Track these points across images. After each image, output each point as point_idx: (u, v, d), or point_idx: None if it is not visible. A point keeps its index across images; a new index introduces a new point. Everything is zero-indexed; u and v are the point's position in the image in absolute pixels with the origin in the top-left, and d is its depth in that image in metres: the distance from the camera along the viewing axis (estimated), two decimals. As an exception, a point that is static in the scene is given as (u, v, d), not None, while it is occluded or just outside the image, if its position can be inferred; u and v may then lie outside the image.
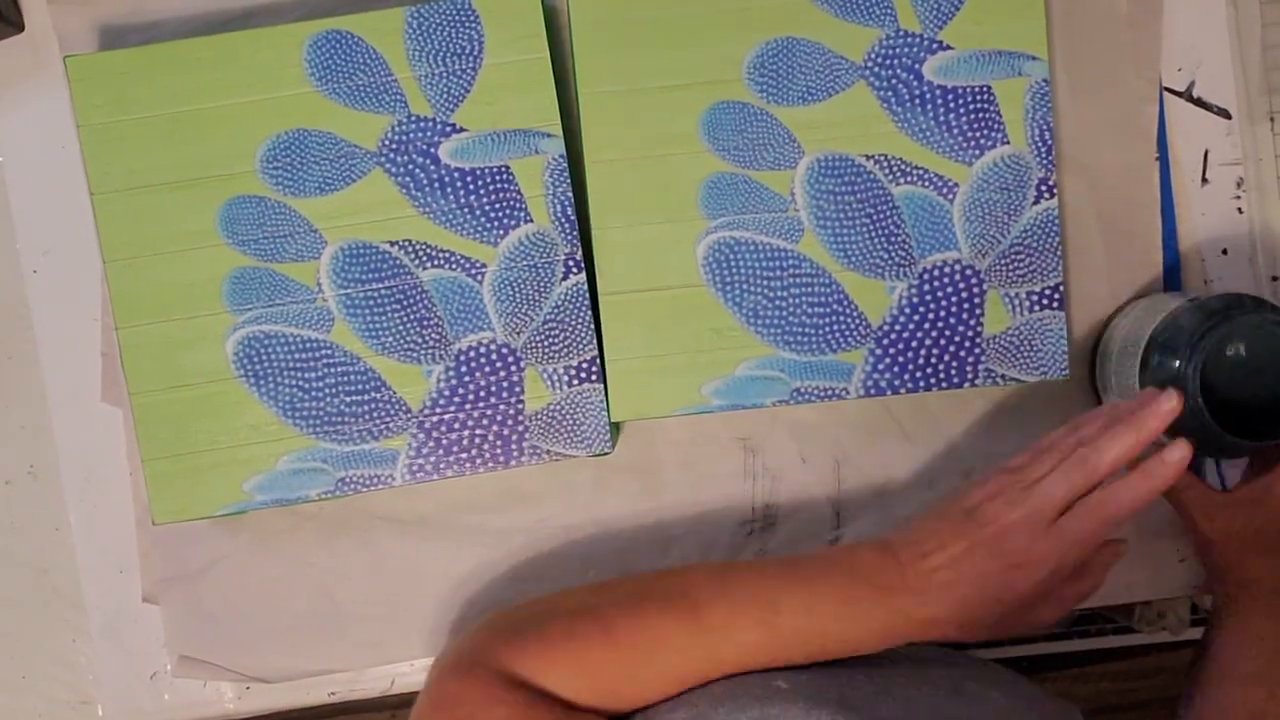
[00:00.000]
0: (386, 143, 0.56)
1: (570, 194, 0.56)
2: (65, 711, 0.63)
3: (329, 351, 0.56)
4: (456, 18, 0.56)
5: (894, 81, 0.56)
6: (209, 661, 0.61)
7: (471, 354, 0.56)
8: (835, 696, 0.45)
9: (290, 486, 0.56)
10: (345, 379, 0.56)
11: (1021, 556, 0.47)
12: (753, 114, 0.56)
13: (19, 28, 0.61)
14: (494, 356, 0.56)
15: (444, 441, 0.56)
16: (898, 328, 0.57)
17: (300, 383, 0.56)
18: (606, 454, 0.57)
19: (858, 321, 0.57)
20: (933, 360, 0.57)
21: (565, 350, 0.56)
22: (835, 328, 0.57)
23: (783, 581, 0.49)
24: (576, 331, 0.56)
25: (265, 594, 0.61)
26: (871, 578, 0.48)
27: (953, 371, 0.57)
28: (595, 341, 0.56)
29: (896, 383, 0.57)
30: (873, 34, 0.56)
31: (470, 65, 0.56)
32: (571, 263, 0.56)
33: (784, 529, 0.60)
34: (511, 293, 0.56)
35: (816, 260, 0.57)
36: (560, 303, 0.56)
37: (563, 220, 0.56)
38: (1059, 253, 0.57)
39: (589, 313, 0.56)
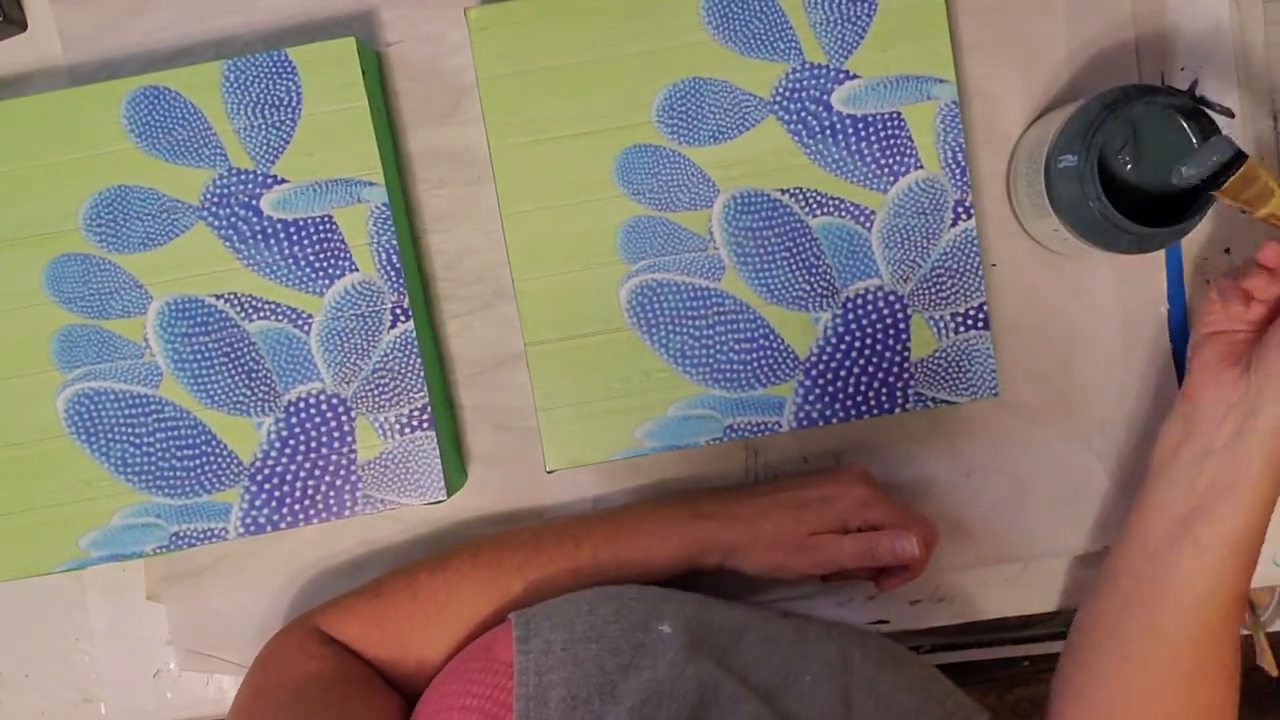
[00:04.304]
0: (208, 196, 0.56)
1: (395, 242, 0.56)
2: (68, 710, 0.64)
3: (158, 406, 0.56)
4: (273, 69, 0.55)
5: (803, 114, 0.56)
6: (214, 656, 0.62)
7: (301, 405, 0.56)
8: (714, 655, 0.47)
9: (124, 542, 0.56)
10: (175, 433, 0.56)
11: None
12: (665, 156, 0.56)
13: (22, 26, 0.61)
14: (324, 407, 0.56)
15: (276, 493, 0.56)
16: (825, 358, 0.56)
17: (131, 438, 0.56)
18: (442, 501, 0.57)
19: (785, 355, 0.56)
20: (862, 388, 0.56)
21: (395, 399, 0.56)
22: (763, 362, 0.57)
23: (592, 521, 0.55)
24: (406, 379, 0.56)
25: (268, 591, 0.62)
26: (683, 507, 0.55)
27: (883, 398, 0.56)
28: (425, 389, 0.56)
29: (828, 413, 0.56)
30: (779, 68, 0.56)
31: (289, 116, 0.56)
32: (399, 311, 0.56)
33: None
34: (339, 342, 0.56)
35: (739, 297, 0.56)
36: (389, 351, 0.56)
37: (389, 269, 0.56)
38: (980, 273, 0.56)
39: (418, 360, 0.56)
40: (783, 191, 0.56)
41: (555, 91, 0.56)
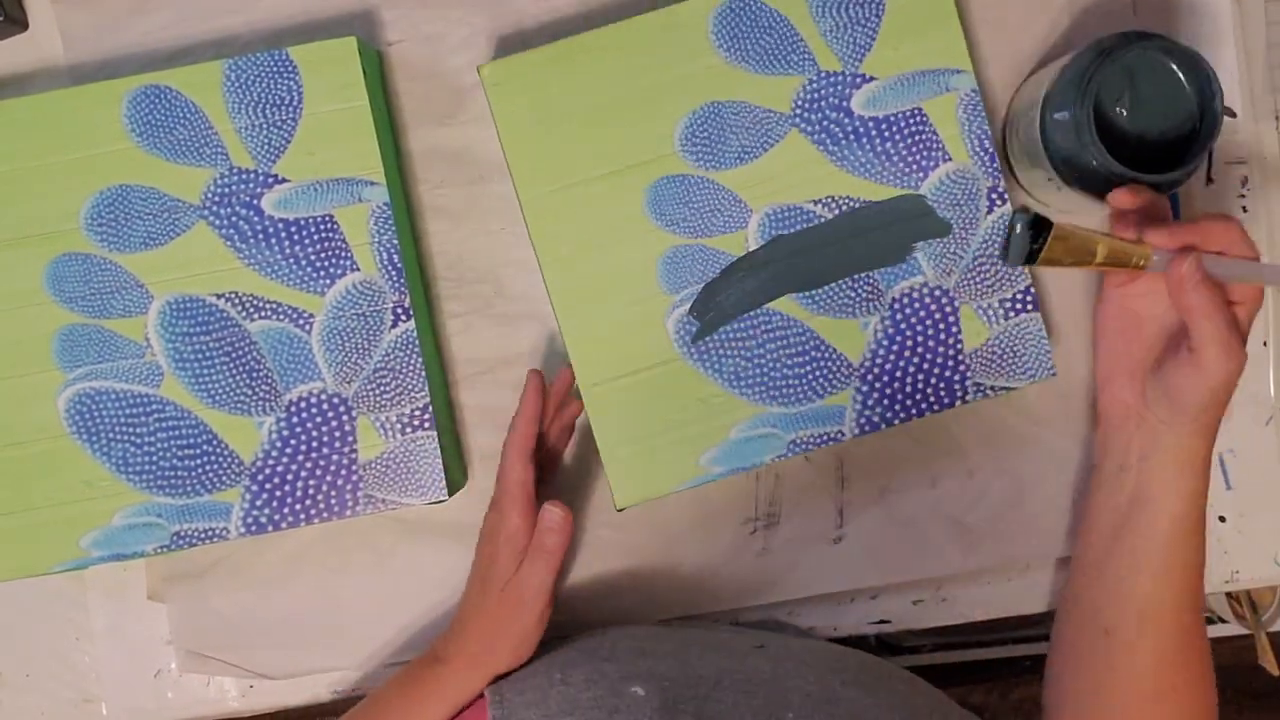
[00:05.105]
0: (209, 196, 0.56)
1: (396, 241, 0.56)
2: (69, 710, 0.63)
3: (159, 406, 0.56)
4: (274, 69, 0.55)
5: (826, 123, 0.56)
6: (214, 658, 0.62)
7: (302, 404, 0.56)
8: (691, 710, 0.46)
9: (125, 542, 0.56)
10: (176, 433, 0.56)
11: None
12: (694, 184, 0.56)
13: (23, 26, 0.61)
14: (325, 406, 0.56)
15: (277, 493, 0.56)
16: (879, 362, 0.56)
17: (132, 438, 0.56)
18: (443, 501, 0.57)
19: (839, 363, 0.56)
20: (920, 385, 0.56)
21: (397, 398, 0.56)
22: (818, 374, 0.56)
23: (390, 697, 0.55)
24: (407, 379, 0.56)
25: (269, 592, 0.62)
26: (423, 661, 0.55)
27: (942, 393, 0.56)
28: (426, 389, 0.56)
29: (889, 415, 0.56)
30: (795, 81, 0.56)
31: (290, 116, 0.56)
32: (400, 310, 0.56)
33: (787, 527, 0.61)
34: (340, 342, 0.56)
35: (787, 312, 0.56)
36: (390, 351, 0.56)
37: (389, 268, 0.56)
38: None
39: (419, 360, 0.56)
40: (815, 202, 0.56)
41: (577, 135, 0.56)
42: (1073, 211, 0.59)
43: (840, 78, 0.56)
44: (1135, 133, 0.52)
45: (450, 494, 0.57)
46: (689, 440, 0.56)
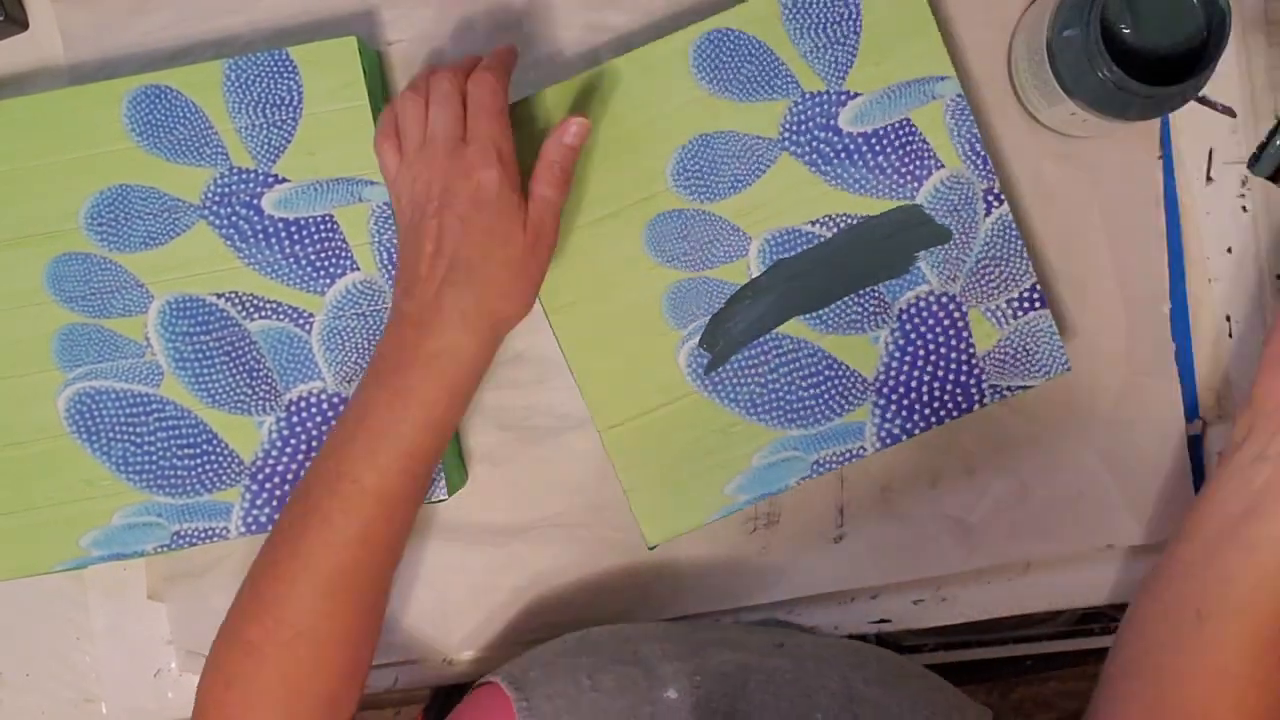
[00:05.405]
0: (209, 195, 0.56)
1: (396, 241, 0.56)
2: (69, 710, 0.63)
3: (159, 405, 0.56)
4: (275, 68, 0.55)
5: (815, 143, 0.56)
6: None
7: (302, 404, 0.56)
8: (724, 712, 0.46)
9: (125, 541, 0.56)
10: (176, 432, 0.56)
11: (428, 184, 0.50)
12: (691, 217, 0.56)
13: (23, 26, 0.61)
14: (325, 406, 0.56)
15: (277, 493, 0.56)
16: (893, 374, 0.56)
17: (132, 437, 0.56)
18: (443, 501, 0.57)
19: (853, 380, 0.56)
20: (936, 393, 0.56)
21: (397, 398, 0.56)
22: (834, 392, 0.56)
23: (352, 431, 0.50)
24: (407, 379, 0.56)
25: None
26: (399, 353, 0.50)
27: (959, 399, 0.56)
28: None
29: (909, 425, 0.56)
30: (781, 105, 0.56)
31: (290, 115, 0.56)
32: (400, 310, 0.56)
33: (787, 526, 0.61)
34: (340, 342, 0.56)
35: (797, 335, 0.56)
36: (390, 350, 0.56)
37: (389, 268, 0.56)
38: (1025, 255, 0.56)
39: (419, 359, 0.56)
40: (812, 222, 0.56)
41: (574, 180, 0.55)
42: (1092, 136, 0.59)
43: (825, 97, 0.56)
44: (1143, 50, 0.52)
45: (450, 494, 0.57)
46: (712, 471, 0.56)
